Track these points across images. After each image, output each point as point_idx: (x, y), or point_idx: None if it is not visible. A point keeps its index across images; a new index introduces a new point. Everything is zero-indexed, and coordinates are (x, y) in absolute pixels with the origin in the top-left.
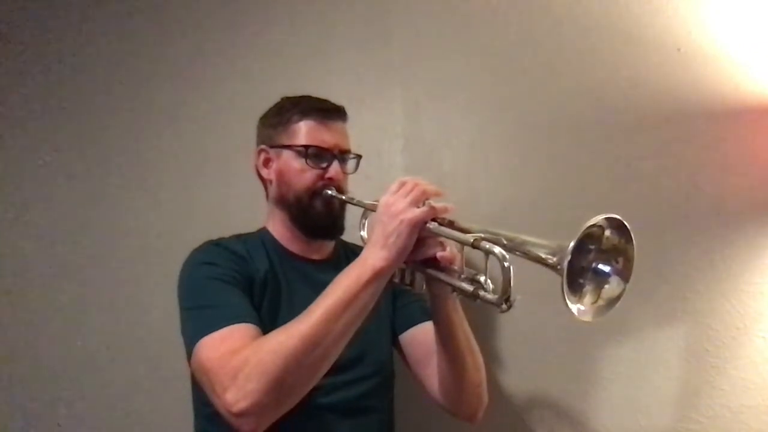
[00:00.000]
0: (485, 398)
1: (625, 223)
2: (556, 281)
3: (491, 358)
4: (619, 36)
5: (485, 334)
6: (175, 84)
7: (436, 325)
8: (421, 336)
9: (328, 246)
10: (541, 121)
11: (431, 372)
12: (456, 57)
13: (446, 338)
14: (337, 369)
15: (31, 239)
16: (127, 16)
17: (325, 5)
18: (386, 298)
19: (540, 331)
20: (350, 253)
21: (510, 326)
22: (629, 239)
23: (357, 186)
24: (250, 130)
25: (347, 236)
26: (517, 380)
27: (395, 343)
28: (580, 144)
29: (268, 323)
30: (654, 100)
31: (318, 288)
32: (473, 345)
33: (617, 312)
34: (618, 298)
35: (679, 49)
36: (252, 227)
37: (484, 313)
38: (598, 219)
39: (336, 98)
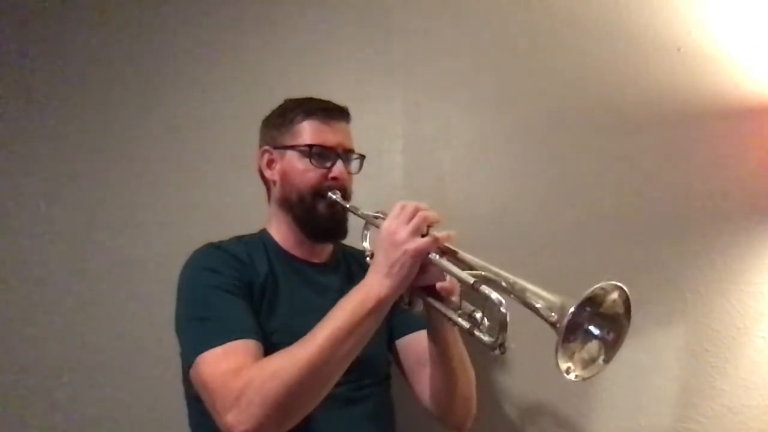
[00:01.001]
0: (473, 410)
1: (630, 297)
2: (558, 282)
3: (491, 357)
4: (619, 36)
5: None
6: (176, 85)
7: (431, 342)
8: (415, 344)
9: (328, 249)
10: (541, 121)
11: (423, 380)
12: (456, 57)
13: (440, 355)
14: None
15: (32, 239)
16: (130, 17)
17: (326, 6)
18: None
19: (540, 331)
20: (350, 257)
21: (510, 326)
22: (628, 316)
23: (357, 186)
24: (250, 131)
25: (349, 239)
26: (517, 380)
27: (391, 347)
28: (580, 144)
29: (267, 325)
30: (654, 100)
31: (318, 290)
32: (466, 361)
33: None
34: (593, 361)
35: (679, 49)
36: (252, 228)
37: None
38: (605, 284)
39: (336, 99)
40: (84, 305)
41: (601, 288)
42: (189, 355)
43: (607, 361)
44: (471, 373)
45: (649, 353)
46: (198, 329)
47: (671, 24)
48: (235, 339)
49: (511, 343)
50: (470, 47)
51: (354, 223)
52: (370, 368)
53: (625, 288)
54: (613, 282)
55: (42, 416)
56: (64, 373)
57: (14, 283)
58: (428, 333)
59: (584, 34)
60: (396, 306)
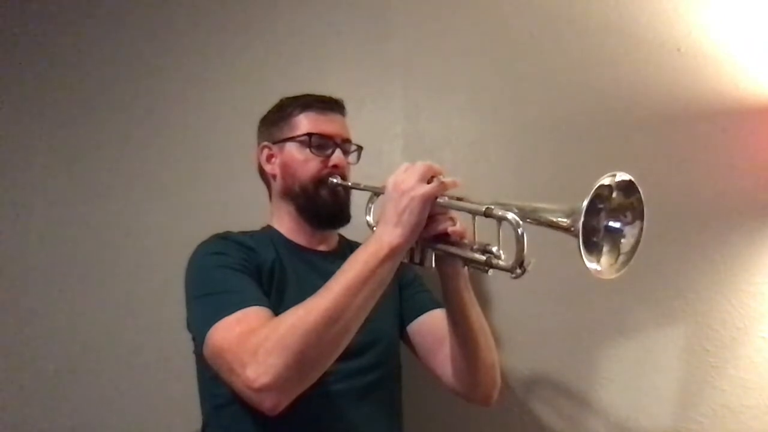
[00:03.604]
0: (498, 380)
1: (633, 180)
2: (558, 283)
3: None
4: (619, 36)
5: None
6: (176, 84)
7: (448, 304)
8: (430, 323)
9: (334, 238)
10: (541, 121)
11: (443, 358)
12: (456, 57)
13: (459, 318)
14: (349, 355)
15: (32, 237)
16: (128, 16)
17: (326, 5)
18: (393, 290)
19: (539, 332)
20: (355, 247)
21: (509, 327)
22: (637, 195)
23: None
24: (250, 129)
25: (353, 233)
26: (516, 380)
27: (403, 335)
28: (580, 144)
29: (276, 311)
30: (654, 100)
31: (325, 276)
32: (485, 325)
33: (617, 312)
34: (637, 244)
35: (679, 49)
36: (252, 226)
37: (483, 316)
38: (607, 179)
39: (336, 98)
40: (84, 306)
41: (604, 184)
42: (202, 331)
43: (641, 220)
44: (491, 339)
45: (649, 353)
46: (208, 304)
47: (671, 24)
48: (247, 307)
49: (531, 258)
50: (470, 47)
51: (357, 215)
52: (384, 351)
53: (625, 176)
54: (612, 174)
55: (41, 416)
56: (64, 373)
57: (14, 284)
58: (444, 295)
59: (584, 34)
60: (401, 263)
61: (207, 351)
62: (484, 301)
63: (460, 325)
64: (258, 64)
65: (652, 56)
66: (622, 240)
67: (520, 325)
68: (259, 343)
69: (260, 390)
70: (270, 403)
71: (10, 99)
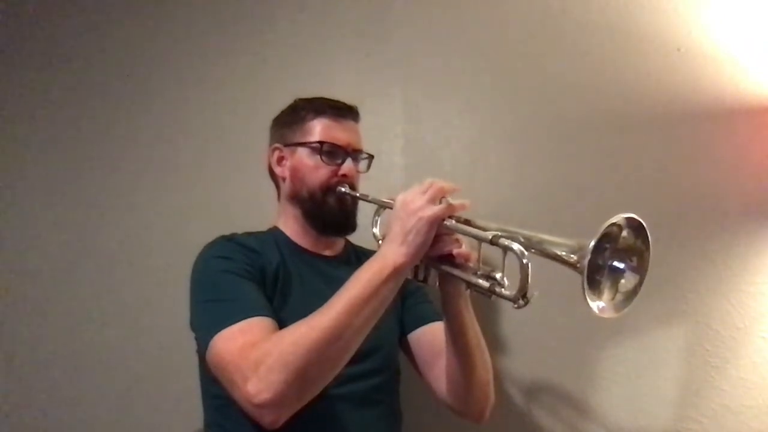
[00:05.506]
0: (492, 397)
1: (643, 223)
2: (558, 282)
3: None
4: (619, 36)
5: (485, 334)
6: (176, 85)
7: (447, 322)
8: (429, 335)
9: (339, 243)
10: (541, 121)
11: (439, 372)
12: (456, 57)
13: (456, 336)
14: (351, 360)
15: (32, 239)
16: (129, 17)
17: (326, 6)
18: (395, 298)
19: (540, 332)
20: (360, 253)
21: (510, 327)
22: (645, 239)
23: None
24: (251, 130)
25: (358, 237)
26: (516, 381)
27: (402, 343)
28: (580, 144)
29: (280, 314)
30: (654, 100)
31: (330, 281)
32: (482, 344)
33: None
34: (635, 291)
35: (679, 49)
36: (255, 227)
37: (484, 314)
38: (618, 218)
39: (336, 98)
40: (85, 306)
41: (614, 224)
42: (205, 338)
43: (642, 275)
44: (488, 357)
45: (649, 353)
46: (212, 311)
47: (671, 24)
48: (251, 317)
49: (534, 291)
50: (470, 47)
51: (364, 219)
52: (385, 357)
53: (636, 217)
54: (623, 214)
55: (42, 416)
56: (65, 373)
57: (15, 284)
58: (444, 312)
59: (584, 34)
60: (408, 283)
61: (209, 358)
62: (483, 300)
63: (457, 342)
64: (259, 65)
65: (652, 56)
66: (622, 280)
67: (519, 325)
68: (260, 357)
69: (261, 406)
70: (270, 419)
71: (11, 100)
